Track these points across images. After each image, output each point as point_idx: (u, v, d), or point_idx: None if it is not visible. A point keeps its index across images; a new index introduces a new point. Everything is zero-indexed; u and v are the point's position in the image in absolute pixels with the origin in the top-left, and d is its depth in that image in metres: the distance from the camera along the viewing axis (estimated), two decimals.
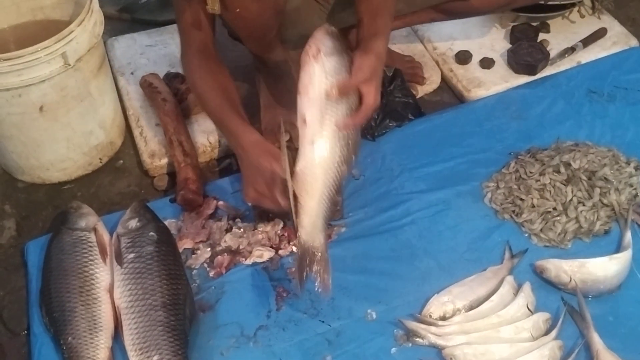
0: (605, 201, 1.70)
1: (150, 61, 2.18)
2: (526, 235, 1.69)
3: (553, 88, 2.06)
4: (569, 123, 1.96)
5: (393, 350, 1.48)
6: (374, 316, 1.54)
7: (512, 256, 1.63)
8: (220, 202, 1.76)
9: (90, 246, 1.60)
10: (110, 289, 1.54)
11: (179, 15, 1.64)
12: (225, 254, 1.65)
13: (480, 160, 1.86)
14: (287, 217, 1.67)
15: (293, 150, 1.60)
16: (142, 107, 2.03)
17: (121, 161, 1.97)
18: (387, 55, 1.65)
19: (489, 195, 1.77)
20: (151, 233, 1.59)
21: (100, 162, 1.94)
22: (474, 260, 1.64)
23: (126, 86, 2.09)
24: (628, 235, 1.64)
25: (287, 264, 1.64)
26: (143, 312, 1.47)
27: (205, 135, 1.94)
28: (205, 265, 1.65)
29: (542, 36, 2.21)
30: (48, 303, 1.53)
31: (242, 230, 1.69)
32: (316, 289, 1.47)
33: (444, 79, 2.16)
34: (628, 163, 1.79)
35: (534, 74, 2.10)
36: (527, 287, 1.55)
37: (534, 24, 2.23)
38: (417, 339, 1.49)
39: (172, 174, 1.88)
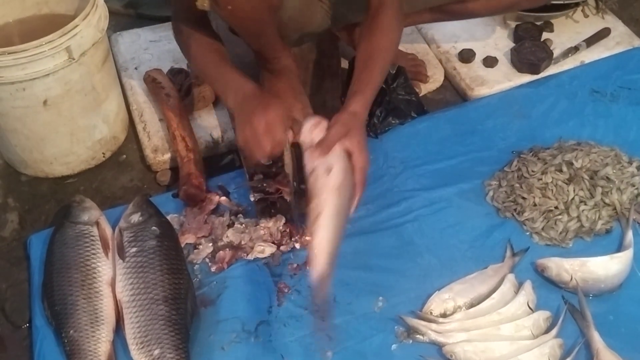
0: (607, 200, 1.70)
1: (154, 56, 2.18)
2: (527, 233, 1.69)
3: (556, 87, 2.06)
4: (571, 122, 1.96)
5: (393, 346, 1.49)
6: (380, 305, 1.55)
7: (514, 254, 1.63)
8: (223, 198, 1.77)
9: (93, 240, 1.60)
10: (112, 283, 1.55)
11: None
12: (227, 249, 1.66)
13: (483, 158, 1.86)
14: (290, 213, 1.67)
15: (296, 145, 1.61)
16: (145, 102, 2.03)
17: (124, 156, 1.97)
18: None
19: (491, 193, 1.77)
20: (153, 227, 1.60)
21: (104, 157, 1.95)
22: (475, 258, 1.64)
23: (130, 81, 2.10)
24: (629, 235, 1.64)
25: (288, 260, 1.64)
26: (144, 306, 1.47)
27: (208, 130, 1.95)
28: (207, 260, 1.65)
29: (545, 35, 2.21)
30: (50, 296, 1.53)
31: (244, 225, 1.70)
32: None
33: (447, 77, 2.16)
34: (630, 163, 1.79)
35: (537, 73, 2.11)
36: (528, 286, 1.55)
37: (538, 23, 2.23)
38: (418, 336, 1.49)
39: (174, 169, 1.88)
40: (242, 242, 1.67)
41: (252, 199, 1.67)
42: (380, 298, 1.57)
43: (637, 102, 2.02)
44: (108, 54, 1.89)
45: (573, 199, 1.70)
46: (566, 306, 1.52)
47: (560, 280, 1.56)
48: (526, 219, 1.70)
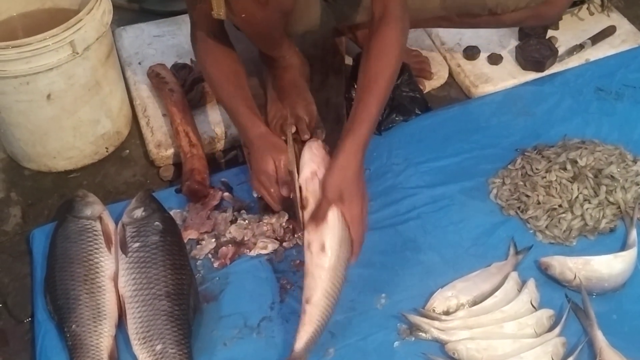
0: (611, 199, 1.70)
1: (158, 51, 2.18)
2: (531, 231, 1.68)
3: (561, 85, 2.06)
4: (576, 120, 1.96)
5: (396, 344, 1.48)
6: (382, 302, 1.55)
7: (517, 252, 1.63)
8: (226, 194, 1.76)
9: (96, 235, 1.60)
10: (114, 278, 1.54)
11: (189, 4, 1.64)
12: (230, 245, 1.66)
13: (487, 156, 1.86)
14: (292, 210, 1.67)
15: (299, 143, 1.61)
16: (149, 97, 2.03)
17: (127, 151, 1.97)
18: None
19: (494, 191, 1.77)
20: (156, 223, 1.60)
21: (107, 152, 1.95)
22: (479, 255, 1.63)
23: (133, 76, 2.10)
24: (633, 234, 1.64)
25: (291, 256, 1.64)
26: (147, 301, 1.47)
27: (211, 126, 1.95)
28: (210, 256, 1.65)
29: (550, 33, 2.20)
30: (52, 291, 1.53)
31: (247, 221, 1.70)
32: None
33: (451, 74, 2.16)
34: (635, 161, 1.78)
35: (542, 70, 2.10)
36: (531, 284, 1.55)
37: None
38: (420, 333, 1.49)
39: (178, 165, 1.88)
40: (245, 238, 1.67)
41: (255, 195, 1.67)
42: (383, 295, 1.56)
43: None
44: (112, 48, 1.89)
45: (577, 197, 1.70)
46: (569, 305, 1.52)
47: (563, 278, 1.56)
48: (530, 217, 1.69)
